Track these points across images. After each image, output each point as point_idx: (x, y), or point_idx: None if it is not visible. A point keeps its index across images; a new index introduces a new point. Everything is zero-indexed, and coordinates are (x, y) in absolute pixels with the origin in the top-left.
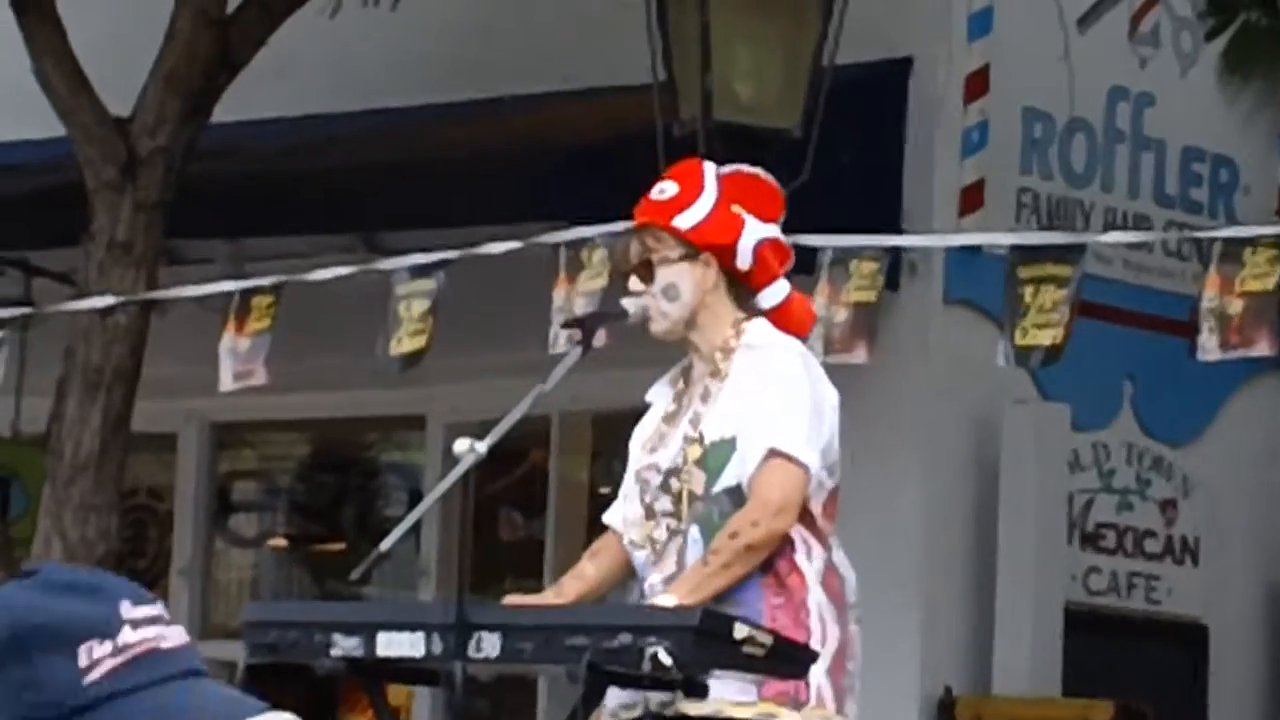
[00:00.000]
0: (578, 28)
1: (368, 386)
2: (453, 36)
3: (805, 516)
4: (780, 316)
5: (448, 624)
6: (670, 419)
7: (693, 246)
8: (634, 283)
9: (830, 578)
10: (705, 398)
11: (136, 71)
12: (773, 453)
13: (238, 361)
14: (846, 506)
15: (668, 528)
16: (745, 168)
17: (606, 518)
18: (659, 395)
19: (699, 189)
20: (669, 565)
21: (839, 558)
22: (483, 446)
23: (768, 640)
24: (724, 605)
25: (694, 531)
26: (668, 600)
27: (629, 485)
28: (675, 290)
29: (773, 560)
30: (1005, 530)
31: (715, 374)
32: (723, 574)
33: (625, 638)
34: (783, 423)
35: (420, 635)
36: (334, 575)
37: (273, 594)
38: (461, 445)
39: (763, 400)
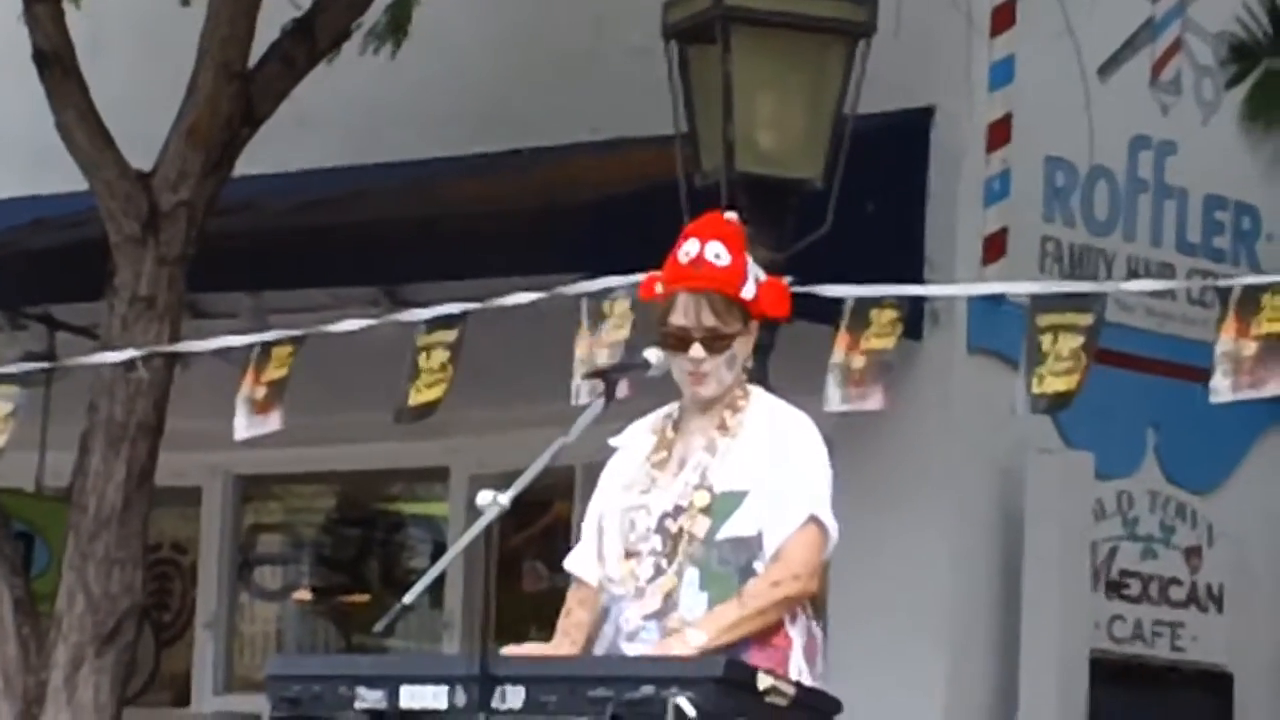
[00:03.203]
0: (600, 80)
1: (391, 439)
2: (474, 89)
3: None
4: None
5: (471, 676)
6: (660, 464)
7: (749, 316)
8: (698, 350)
9: (810, 646)
10: (711, 450)
11: (158, 126)
12: (812, 519)
13: (253, 409)
14: (872, 556)
15: (655, 566)
16: (730, 216)
17: (571, 565)
18: (637, 439)
19: (742, 252)
20: (652, 603)
21: (815, 629)
22: (506, 499)
23: (790, 690)
24: None
25: (691, 574)
26: (698, 636)
27: (609, 522)
28: (735, 360)
29: None
30: (1030, 579)
31: (722, 428)
32: (757, 619)
33: (648, 689)
34: (819, 492)
35: (444, 688)
36: (358, 628)
37: (297, 647)
38: (485, 497)
39: (798, 466)
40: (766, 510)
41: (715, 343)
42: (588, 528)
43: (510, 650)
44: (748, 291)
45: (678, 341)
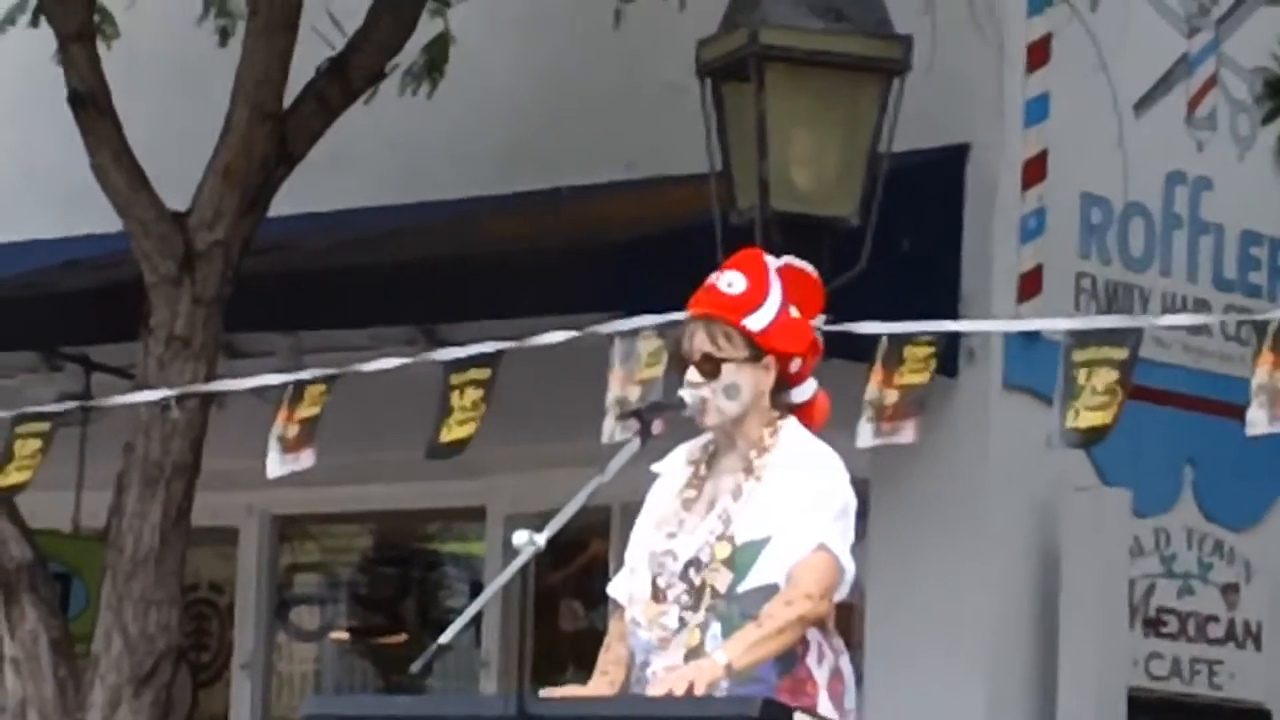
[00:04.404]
0: (635, 118)
1: (428, 478)
2: (510, 128)
3: (819, 622)
4: (803, 412)
5: (508, 716)
6: (689, 504)
7: (758, 349)
8: (693, 374)
9: (834, 683)
10: (736, 494)
11: (194, 166)
12: (822, 547)
13: (285, 447)
14: (910, 593)
15: (680, 618)
16: (795, 262)
17: (615, 591)
18: (673, 469)
19: (766, 287)
20: (675, 655)
21: (844, 663)
22: (541, 538)
23: None
24: None
25: (715, 628)
26: (721, 656)
27: (638, 561)
28: (736, 390)
29: (793, 664)
30: (1067, 616)
31: (749, 471)
32: (775, 639)
33: None
34: (830, 526)
35: None
36: (396, 667)
37: (335, 687)
38: (521, 537)
39: (811, 505)
40: (787, 552)
41: (707, 364)
42: (629, 557)
43: (547, 693)
44: (754, 322)
45: (683, 366)
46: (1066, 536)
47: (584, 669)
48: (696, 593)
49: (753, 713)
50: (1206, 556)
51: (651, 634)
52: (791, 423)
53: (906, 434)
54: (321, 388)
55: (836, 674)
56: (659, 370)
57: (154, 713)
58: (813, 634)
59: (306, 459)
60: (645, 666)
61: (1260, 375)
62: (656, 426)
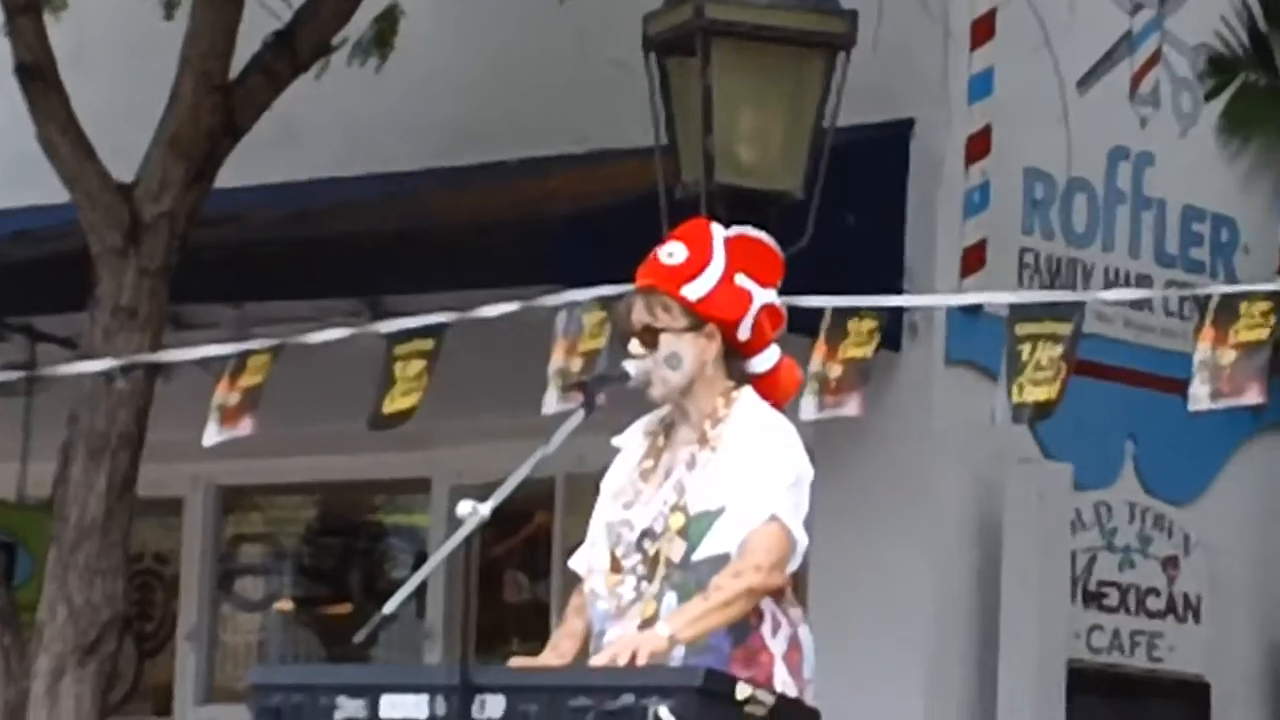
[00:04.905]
0: (583, 92)
1: (373, 450)
2: (459, 102)
3: (775, 592)
4: (768, 382)
5: (451, 686)
6: (646, 475)
7: (699, 318)
8: (635, 346)
9: (792, 653)
10: (691, 465)
11: (140, 137)
12: (773, 518)
13: (224, 416)
14: (851, 567)
15: (636, 588)
16: (750, 231)
17: (574, 564)
18: (631, 442)
19: (708, 255)
20: (630, 625)
21: (803, 632)
22: (486, 509)
23: (769, 700)
24: None
25: (670, 598)
26: (664, 628)
27: (596, 533)
28: (678, 360)
29: (746, 634)
30: (1008, 589)
31: (703, 441)
32: (722, 611)
33: (628, 698)
34: (783, 496)
35: (424, 697)
36: (340, 638)
37: (279, 657)
38: (465, 508)
39: (764, 475)
40: (739, 523)
41: (647, 335)
42: (590, 530)
43: (517, 662)
44: (693, 291)
45: (627, 339)
46: (1008, 510)
47: (528, 640)
48: (651, 563)
49: (696, 682)
50: (1147, 530)
51: (609, 604)
52: (747, 393)
53: (850, 407)
54: (265, 358)
55: (794, 643)
56: (601, 342)
57: (98, 682)
58: (767, 604)
59: (245, 427)
60: (602, 636)
61: (1202, 350)
62: (600, 398)
